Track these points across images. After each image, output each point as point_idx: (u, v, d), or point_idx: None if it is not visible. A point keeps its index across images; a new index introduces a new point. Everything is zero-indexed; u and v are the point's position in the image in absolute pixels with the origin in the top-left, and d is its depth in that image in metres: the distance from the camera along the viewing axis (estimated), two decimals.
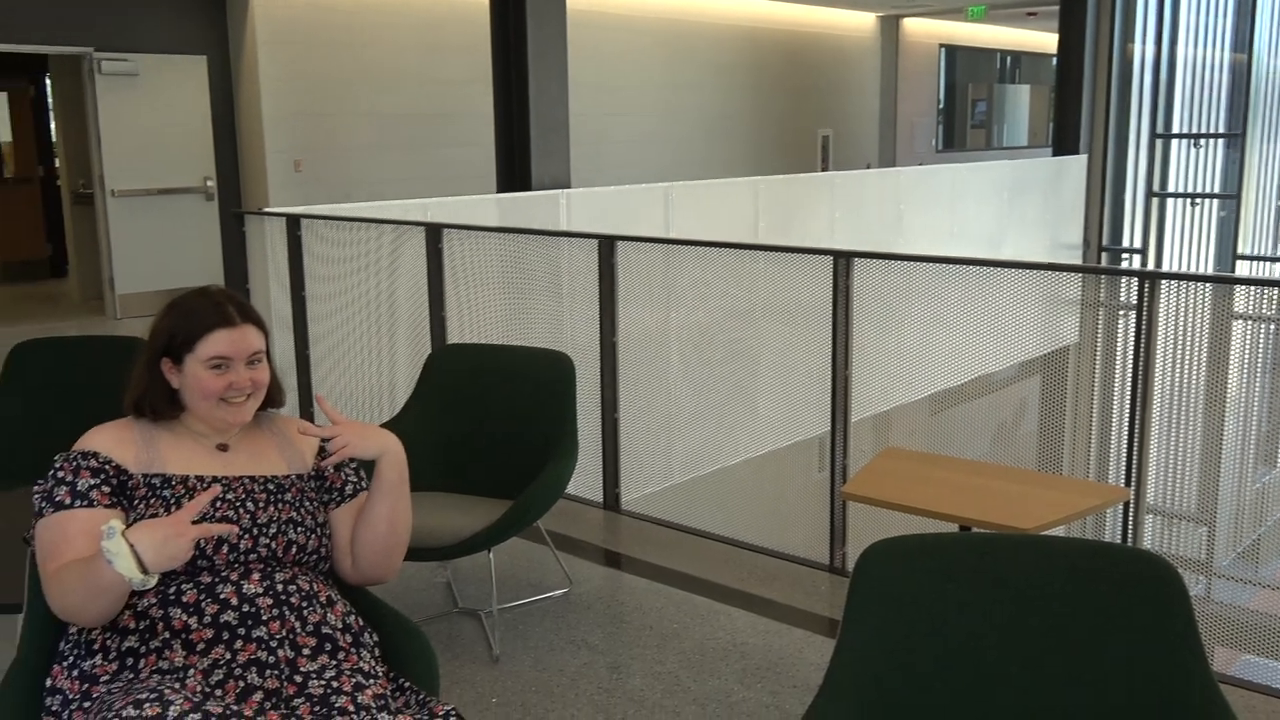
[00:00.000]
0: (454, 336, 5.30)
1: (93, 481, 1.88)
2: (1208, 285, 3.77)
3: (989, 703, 1.89)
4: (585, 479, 4.63)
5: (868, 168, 15.48)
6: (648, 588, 3.84)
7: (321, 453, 2.09)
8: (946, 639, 1.92)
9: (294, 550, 1.98)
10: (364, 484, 2.12)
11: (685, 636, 3.43)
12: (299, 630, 1.89)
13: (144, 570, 1.69)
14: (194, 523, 1.75)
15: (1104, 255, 12.71)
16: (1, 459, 3.62)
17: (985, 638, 1.91)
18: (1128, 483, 3.54)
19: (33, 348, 3.90)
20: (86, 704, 1.77)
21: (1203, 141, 12.91)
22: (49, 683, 1.86)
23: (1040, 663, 1.89)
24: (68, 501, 1.86)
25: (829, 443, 4.12)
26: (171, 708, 1.59)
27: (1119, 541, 3.53)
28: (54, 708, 1.82)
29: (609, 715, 2.97)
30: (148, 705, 1.59)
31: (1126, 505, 3.51)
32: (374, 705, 1.80)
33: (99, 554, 1.70)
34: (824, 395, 4.12)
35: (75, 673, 1.82)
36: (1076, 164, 12.55)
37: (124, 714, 1.58)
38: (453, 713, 1.76)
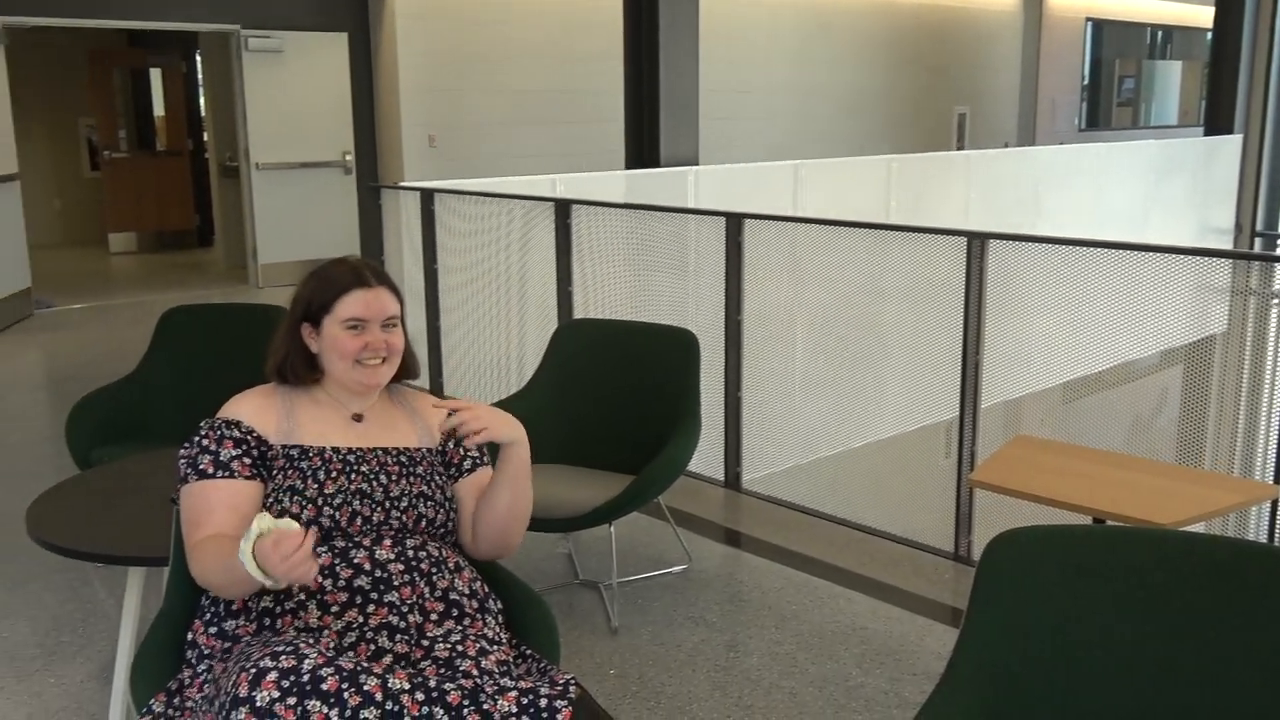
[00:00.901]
0: (580, 311, 5.34)
1: (235, 452, 1.96)
2: None
3: (1116, 700, 1.83)
4: (707, 457, 4.63)
5: (1005, 147, 15.03)
6: (767, 568, 3.83)
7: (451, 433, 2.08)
8: (1075, 634, 1.86)
9: (423, 524, 2.02)
10: (482, 459, 2.16)
11: (804, 618, 3.41)
12: (428, 596, 1.94)
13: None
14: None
15: (1258, 241, 12.10)
16: (150, 419, 3.81)
17: (1115, 634, 1.85)
18: (1277, 480, 3.37)
19: (181, 314, 4.10)
20: (226, 657, 1.85)
21: None
22: (189, 636, 1.95)
23: (1173, 662, 1.81)
24: (211, 471, 1.94)
25: (957, 428, 4.03)
26: (306, 660, 1.65)
27: (1264, 541, 3.37)
28: (193, 659, 1.91)
29: (725, 693, 2.98)
30: (284, 657, 1.65)
31: (1275, 503, 3.35)
32: (497, 671, 1.83)
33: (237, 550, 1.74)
34: (953, 380, 4.03)
35: (214, 630, 1.91)
36: (1230, 144, 11.95)
37: (261, 664, 1.64)
38: (572, 681, 1.78)
